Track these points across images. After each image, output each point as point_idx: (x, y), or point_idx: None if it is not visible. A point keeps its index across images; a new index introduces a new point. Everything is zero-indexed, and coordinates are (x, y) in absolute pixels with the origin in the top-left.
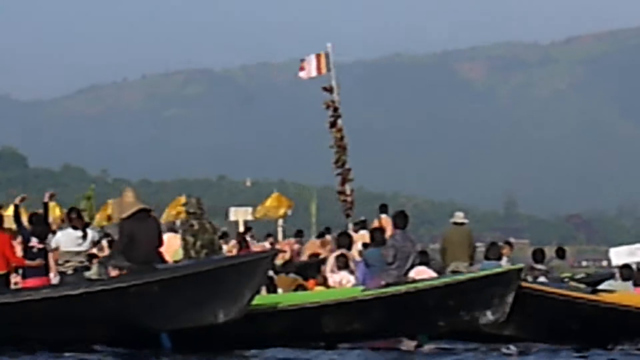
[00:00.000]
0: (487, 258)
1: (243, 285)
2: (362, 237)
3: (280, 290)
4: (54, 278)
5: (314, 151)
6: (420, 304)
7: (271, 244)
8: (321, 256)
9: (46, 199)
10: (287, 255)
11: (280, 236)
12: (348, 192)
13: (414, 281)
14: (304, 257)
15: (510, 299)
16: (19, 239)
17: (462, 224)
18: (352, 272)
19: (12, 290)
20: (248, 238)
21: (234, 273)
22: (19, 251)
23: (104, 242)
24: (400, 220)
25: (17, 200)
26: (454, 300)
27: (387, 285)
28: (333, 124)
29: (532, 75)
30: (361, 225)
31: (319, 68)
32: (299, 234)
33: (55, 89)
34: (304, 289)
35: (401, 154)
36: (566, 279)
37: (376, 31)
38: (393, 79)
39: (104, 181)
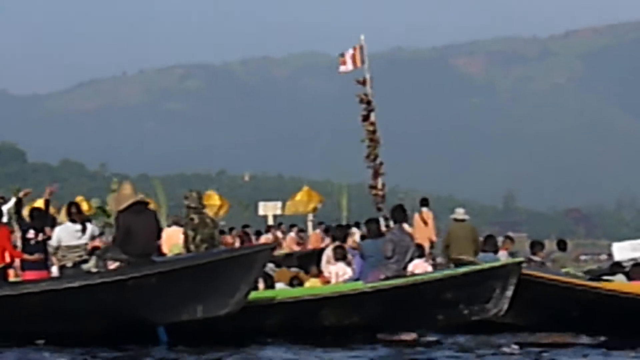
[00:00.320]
0: (483, 250)
1: (240, 279)
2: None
3: (279, 285)
4: (55, 272)
5: (312, 146)
6: (419, 297)
7: (299, 234)
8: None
9: (47, 196)
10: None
11: (310, 229)
12: (380, 186)
13: (413, 275)
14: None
15: (509, 292)
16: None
17: (463, 220)
18: (349, 264)
19: (10, 283)
20: (279, 233)
21: (231, 266)
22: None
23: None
24: (399, 214)
25: (21, 194)
26: (452, 294)
27: (387, 279)
28: (366, 117)
29: (531, 69)
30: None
31: (354, 61)
32: (327, 229)
33: (53, 84)
34: (300, 281)
35: (401, 148)
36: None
37: (377, 25)
38: (394, 73)
39: (103, 176)
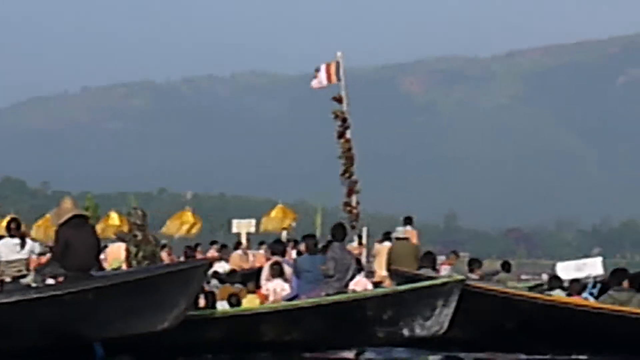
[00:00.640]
0: (420, 267)
1: (179, 294)
2: (385, 249)
3: (221, 304)
4: None
5: (254, 164)
6: (359, 314)
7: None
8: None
9: None
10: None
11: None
12: (354, 203)
13: (354, 292)
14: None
15: (451, 310)
16: None
17: (404, 239)
18: (286, 280)
19: None
20: (248, 251)
21: (169, 281)
22: None
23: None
24: (339, 232)
25: None
26: (393, 311)
27: (328, 296)
28: (341, 135)
29: (473, 89)
30: (385, 237)
31: (329, 77)
32: (296, 244)
33: None
34: (238, 298)
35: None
36: None
37: (319, 45)
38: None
39: (44, 194)
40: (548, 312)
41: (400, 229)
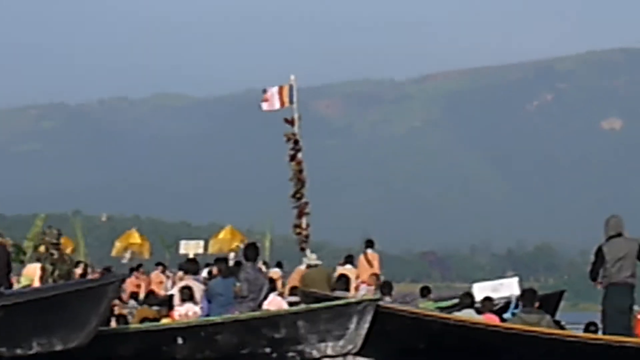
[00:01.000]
0: (333, 289)
1: (90, 311)
2: (348, 271)
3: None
4: None
5: (167, 186)
6: (273, 331)
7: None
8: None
9: None
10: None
11: None
12: (304, 225)
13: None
14: None
15: (364, 329)
16: None
17: (316, 265)
18: (197, 303)
19: None
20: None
21: (80, 298)
22: None
23: None
24: (251, 252)
25: None
26: (307, 329)
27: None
28: (293, 157)
29: (388, 112)
30: (347, 260)
31: (281, 100)
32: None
33: None
34: (151, 321)
35: (257, 189)
36: None
37: (232, 67)
38: (247, 115)
39: None
40: (458, 332)
41: (312, 255)
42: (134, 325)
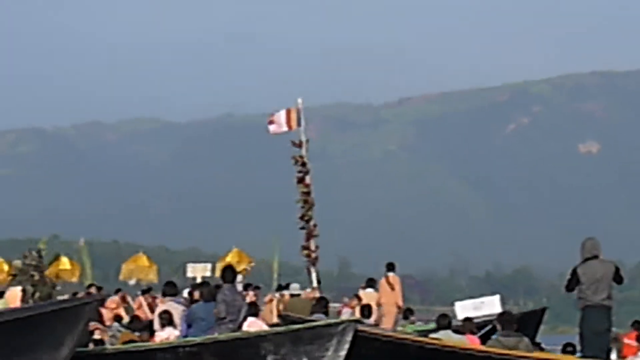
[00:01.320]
0: (312, 313)
1: (66, 332)
2: (368, 295)
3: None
4: None
5: (145, 211)
6: (253, 352)
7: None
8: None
9: None
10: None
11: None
12: (313, 247)
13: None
14: None
15: (344, 350)
16: None
17: (298, 295)
18: (176, 327)
19: None
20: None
21: (56, 319)
22: None
23: None
24: (228, 274)
25: None
26: (287, 349)
27: None
28: (301, 180)
29: (364, 136)
30: (368, 283)
31: (289, 123)
32: (256, 288)
33: None
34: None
35: (233, 214)
36: None
37: (207, 92)
38: (223, 139)
39: None
40: (437, 356)
41: (295, 285)
42: (112, 347)
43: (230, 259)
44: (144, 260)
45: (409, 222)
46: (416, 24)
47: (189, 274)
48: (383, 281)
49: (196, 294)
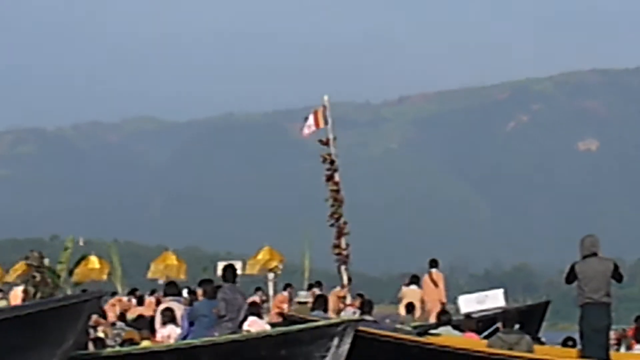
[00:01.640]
0: (313, 309)
1: (67, 328)
2: (412, 292)
3: None
4: None
5: (145, 210)
6: (253, 354)
7: (261, 299)
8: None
9: None
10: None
11: (271, 290)
12: (343, 245)
13: (248, 332)
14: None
15: (345, 350)
16: None
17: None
18: (178, 325)
19: None
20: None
21: (57, 316)
22: None
23: None
24: (229, 274)
25: None
26: (287, 350)
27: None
28: (329, 178)
29: (363, 134)
30: (412, 280)
31: (316, 122)
32: (288, 286)
33: None
34: (132, 343)
35: (233, 213)
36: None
37: (206, 91)
38: (223, 138)
39: None
40: (435, 356)
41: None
42: (109, 350)
43: (261, 256)
44: (172, 259)
45: (408, 220)
46: (416, 21)
47: (219, 273)
48: (426, 278)
49: (199, 291)
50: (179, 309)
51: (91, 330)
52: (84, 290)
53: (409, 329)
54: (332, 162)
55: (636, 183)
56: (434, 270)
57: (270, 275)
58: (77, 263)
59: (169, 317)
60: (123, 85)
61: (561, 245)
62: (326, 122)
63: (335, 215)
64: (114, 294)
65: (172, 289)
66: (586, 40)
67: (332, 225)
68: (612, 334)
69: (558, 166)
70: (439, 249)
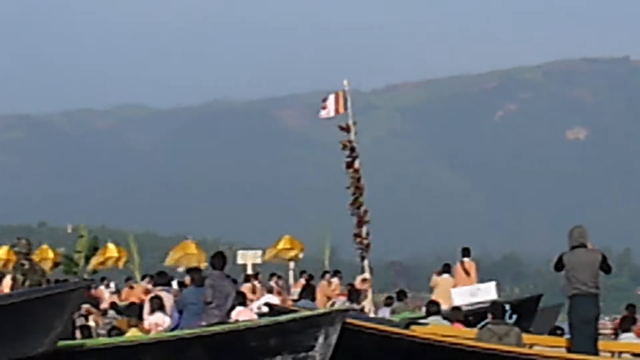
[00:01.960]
0: (300, 297)
1: (54, 317)
2: (444, 281)
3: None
4: None
5: (135, 198)
6: (241, 344)
7: (277, 284)
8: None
9: None
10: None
11: (291, 278)
12: (364, 234)
13: (236, 322)
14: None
15: (333, 340)
16: None
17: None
18: (167, 314)
19: None
20: (256, 283)
21: (44, 305)
22: None
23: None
24: (218, 260)
25: None
26: (275, 341)
27: (209, 325)
28: (350, 165)
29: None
30: (444, 269)
31: (337, 107)
32: (311, 276)
33: None
34: (119, 331)
35: (221, 200)
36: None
37: (194, 78)
38: (212, 125)
39: None
40: (423, 348)
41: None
42: (97, 340)
43: (282, 245)
44: (192, 247)
45: (396, 208)
46: (404, 10)
47: (239, 261)
48: (458, 267)
49: (187, 279)
50: (168, 299)
51: (82, 319)
52: (102, 279)
53: (395, 320)
54: (352, 149)
55: (624, 172)
56: (466, 259)
57: (292, 264)
58: (94, 250)
59: (157, 304)
60: (112, 73)
61: (549, 235)
62: (346, 108)
63: (357, 204)
64: (129, 279)
65: (162, 278)
66: (575, 29)
67: (353, 214)
68: (609, 324)
69: (546, 155)
70: (427, 237)
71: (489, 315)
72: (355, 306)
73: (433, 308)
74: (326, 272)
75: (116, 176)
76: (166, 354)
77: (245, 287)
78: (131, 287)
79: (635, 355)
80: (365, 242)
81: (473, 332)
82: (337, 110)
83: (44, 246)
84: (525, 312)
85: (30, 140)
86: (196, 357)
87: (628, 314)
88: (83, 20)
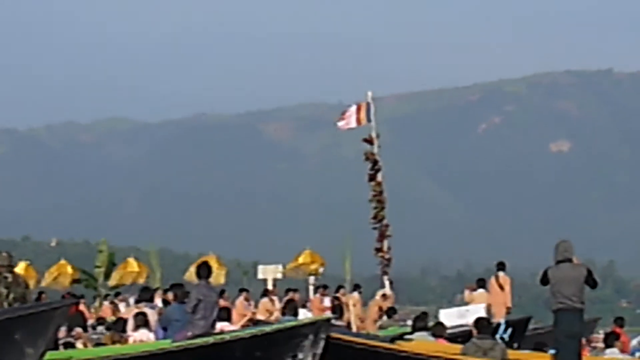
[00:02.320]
0: (283, 314)
1: (37, 335)
2: (480, 296)
3: None
4: None
5: (118, 211)
6: (227, 356)
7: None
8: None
9: None
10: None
11: (311, 293)
12: (385, 248)
13: (221, 333)
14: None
15: (319, 350)
16: None
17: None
18: (151, 330)
19: None
20: (274, 298)
21: (27, 323)
22: None
23: None
24: (204, 271)
25: None
26: (261, 351)
27: (195, 337)
28: (372, 177)
29: (337, 135)
30: (479, 284)
31: (358, 119)
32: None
33: None
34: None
35: (206, 214)
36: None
37: (180, 91)
38: (196, 138)
39: None
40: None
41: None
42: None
43: (302, 259)
44: (212, 262)
45: None
46: (388, 22)
47: (260, 276)
48: (492, 281)
49: (169, 296)
50: (152, 315)
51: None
52: (117, 294)
53: (381, 335)
54: (375, 162)
55: (607, 184)
56: (501, 273)
57: (311, 279)
58: (112, 265)
59: (142, 320)
60: (97, 86)
61: (533, 247)
62: (369, 120)
63: (379, 217)
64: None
65: (145, 294)
66: (559, 42)
67: (374, 228)
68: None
69: (530, 167)
70: (411, 250)
71: (474, 331)
72: (340, 323)
73: (420, 323)
74: (341, 286)
75: (101, 190)
76: None
77: (263, 302)
78: (112, 303)
79: None
80: (386, 256)
81: (457, 347)
82: (358, 121)
83: (62, 261)
84: (518, 330)
85: (14, 154)
86: None
87: (614, 329)
88: (66, 34)
